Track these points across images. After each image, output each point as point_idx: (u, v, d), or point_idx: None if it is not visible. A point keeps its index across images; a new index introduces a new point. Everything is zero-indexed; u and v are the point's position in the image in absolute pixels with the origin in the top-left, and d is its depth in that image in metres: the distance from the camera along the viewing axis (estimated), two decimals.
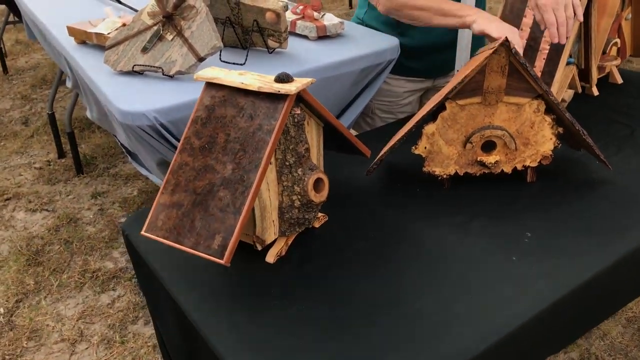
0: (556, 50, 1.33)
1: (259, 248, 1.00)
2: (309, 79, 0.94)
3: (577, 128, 1.12)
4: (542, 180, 1.21)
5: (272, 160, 0.97)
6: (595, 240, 1.02)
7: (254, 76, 0.98)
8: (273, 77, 0.95)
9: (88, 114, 1.75)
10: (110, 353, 1.90)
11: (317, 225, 1.10)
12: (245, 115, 0.95)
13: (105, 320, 2.05)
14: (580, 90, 1.47)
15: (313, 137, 1.04)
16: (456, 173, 1.19)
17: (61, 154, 3.19)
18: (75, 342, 1.96)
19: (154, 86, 1.34)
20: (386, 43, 1.52)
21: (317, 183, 1.00)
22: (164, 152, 1.31)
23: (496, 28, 1.26)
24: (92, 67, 1.48)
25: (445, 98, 1.10)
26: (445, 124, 1.14)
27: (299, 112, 0.95)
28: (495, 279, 0.94)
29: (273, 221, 1.00)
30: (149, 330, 1.98)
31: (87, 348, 1.93)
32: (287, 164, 0.97)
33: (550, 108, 1.13)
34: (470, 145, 1.15)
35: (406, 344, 0.84)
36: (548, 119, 1.13)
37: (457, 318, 0.87)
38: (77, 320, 2.05)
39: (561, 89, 1.38)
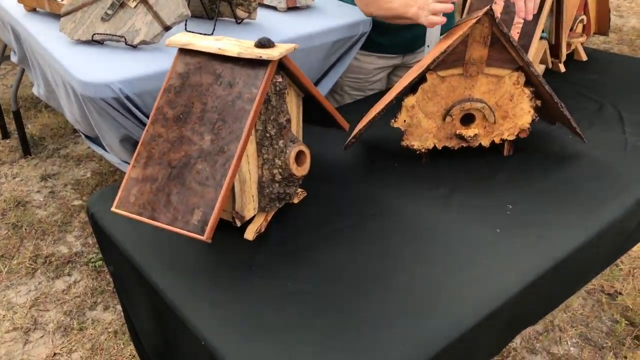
0: (530, 24, 1.32)
1: (238, 224, 0.95)
2: (291, 45, 0.89)
3: (555, 100, 1.12)
4: (519, 154, 1.20)
5: (253, 131, 0.92)
6: (576, 213, 1.02)
7: (231, 41, 0.92)
8: (253, 43, 0.89)
9: (35, 90, 1.64)
10: (68, 341, 1.81)
11: (296, 201, 1.06)
12: (223, 83, 0.89)
13: (61, 307, 1.95)
14: (550, 66, 1.48)
15: (293, 107, 0.99)
16: (434, 147, 1.17)
17: (5, 135, 3.01)
18: (28, 330, 1.86)
19: (117, 56, 1.26)
20: (358, 15, 1.48)
21: (299, 156, 0.96)
22: (129, 127, 1.23)
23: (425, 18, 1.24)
24: (45, 36, 1.37)
25: (427, 69, 1.08)
26: (426, 96, 1.12)
27: (280, 79, 0.90)
28: (480, 252, 0.93)
29: (253, 196, 0.96)
30: (109, 315, 1.90)
31: (42, 337, 1.84)
32: (268, 135, 0.92)
33: (530, 80, 1.12)
34: (450, 118, 1.13)
35: (396, 320, 0.81)
36: (527, 91, 1.12)
37: (445, 292, 0.85)
38: (29, 308, 1.95)
39: (534, 63, 1.38)
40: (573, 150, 1.22)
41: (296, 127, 1.02)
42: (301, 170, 0.96)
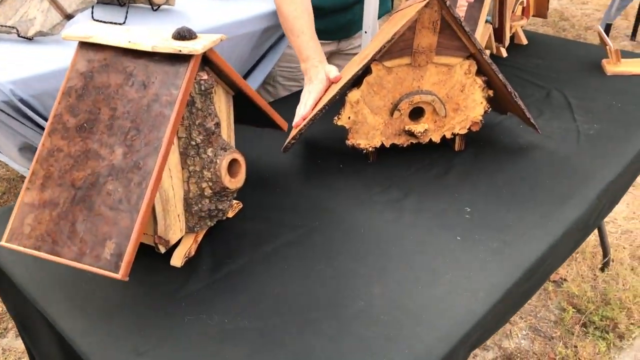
0: (474, 7, 1.23)
1: (162, 250, 0.80)
2: (217, 35, 0.75)
3: (509, 90, 1.03)
4: (471, 148, 1.12)
5: (175, 139, 0.77)
6: (537, 214, 0.94)
7: (144, 32, 0.77)
8: (171, 34, 0.74)
9: None
10: None
11: (230, 215, 0.92)
12: (135, 83, 0.74)
13: None
14: (495, 51, 1.40)
15: (222, 108, 0.85)
16: (382, 145, 1.06)
17: None
18: None
19: (8, 51, 1.06)
20: None
21: (232, 165, 0.82)
22: (28, 135, 1.05)
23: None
24: None
25: (372, 59, 0.96)
26: (371, 89, 1.00)
27: (206, 77, 0.76)
28: (442, 265, 0.83)
29: (178, 215, 0.81)
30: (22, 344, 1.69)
31: None
32: (194, 143, 0.78)
33: (482, 69, 1.03)
34: (398, 113, 1.02)
35: (353, 355, 0.70)
36: (479, 81, 1.03)
37: (409, 319, 0.75)
38: None
39: None
40: (526, 142, 1.14)
41: (227, 130, 0.88)
42: (235, 182, 0.83)
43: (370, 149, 1.06)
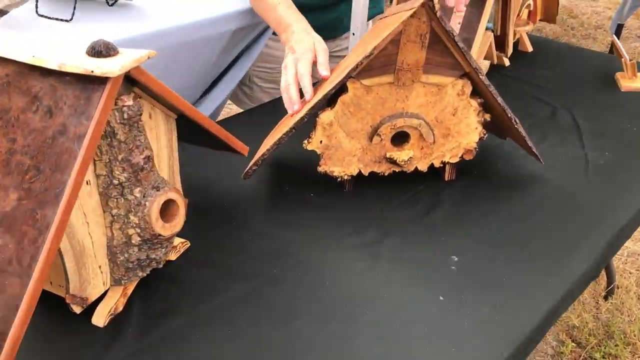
0: (474, 12, 1.08)
1: (78, 311, 0.66)
2: (144, 51, 0.60)
3: (509, 116, 0.89)
4: (463, 178, 0.97)
5: (91, 178, 0.62)
6: (537, 268, 0.79)
7: (55, 44, 0.62)
8: (86, 47, 0.59)
9: None
10: None
11: (173, 257, 0.78)
12: (41, 108, 0.59)
13: None
14: (496, 61, 1.25)
15: (160, 134, 0.71)
16: (360, 172, 0.92)
17: None
18: None
19: None
20: None
21: (167, 206, 0.68)
22: None
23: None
24: None
25: (347, 76, 0.81)
26: (347, 110, 0.85)
27: (130, 103, 0.61)
28: (421, 335, 0.69)
29: (100, 267, 0.67)
30: None
31: None
32: (116, 182, 0.63)
33: (478, 90, 0.88)
34: (378, 138, 0.88)
35: None
36: (474, 103, 0.88)
37: None
38: None
39: (478, 59, 1.15)
40: (526, 173, 0.99)
41: (168, 161, 0.73)
42: (170, 228, 0.68)
43: (345, 177, 0.92)
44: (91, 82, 0.57)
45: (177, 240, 0.78)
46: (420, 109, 0.87)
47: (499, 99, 0.86)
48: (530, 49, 1.48)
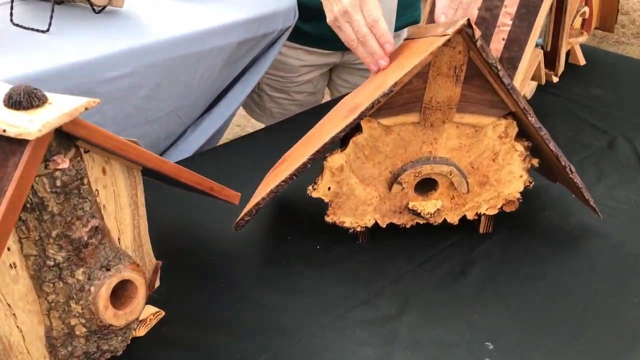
0: (522, 26, 0.90)
1: None
2: (81, 101, 0.45)
3: (563, 164, 0.72)
4: (500, 229, 0.80)
5: (17, 260, 0.48)
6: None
7: None
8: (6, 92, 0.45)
9: None
10: None
11: (142, 333, 0.63)
12: None
13: None
14: (544, 82, 1.07)
15: (120, 191, 0.56)
16: (376, 223, 0.76)
17: None
18: None
19: None
20: (276, 4, 1.03)
21: (123, 286, 0.54)
22: None
23: None
24: None
25: (361, 117, 0.65)
26: (361, 153, 0.70)
27: (66, 165, 0.47)
28: None
29: None
30: None
31: None
32: (51, 263, 0.49)
33: (526, 132, 0.71)
34: (399, 187, 0.72)
35: None
36: (520, 147, 0.72)
37: None
38: None
39: (524, 82, 0.97)
40: (579, 224, 0.82)
41: (132, 221, 0.59)
42: (125, 316, 0.54)
43: (358, 229, 0.76)
44: (8, 143, 0.43)
45: (149, 311, 0.64)
46: (452, 154, 0.71)
47: (552, 144, 0.69)
48: (583, 62, 1.29)
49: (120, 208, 0.56)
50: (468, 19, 0.57)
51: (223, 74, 1.03)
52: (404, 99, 0.65)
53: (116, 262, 0.52)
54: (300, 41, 1.21)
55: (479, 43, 0.59)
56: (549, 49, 1.05)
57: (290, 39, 1.13)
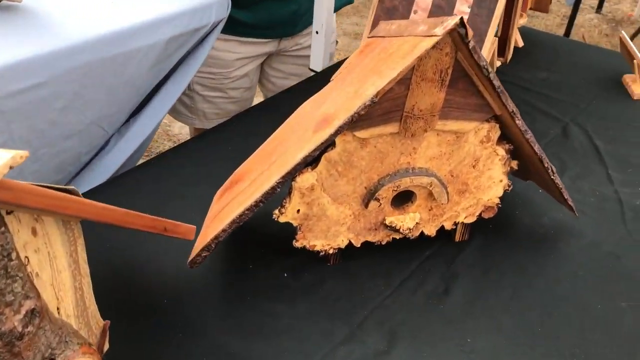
0: (481, 15, 0.84)
1: None
2: (4, 157, 0.33)
3: (546, 166, 0.67)
4: (476, 236, 0.75)
5: None
6: None
7: None
8: None
9: None
10: None
11: None
12: None
13: None
14: (495, 70, 1.03)
15: (56, 251, 0.44)
16: (350, 243, 0.69)
17: None
18: None
19: None
20: None
21: None
22: None
23: None
24: None
25: (338, 132, 0.56)
26: (334, 170, 0.61)
27: None
28: None
29: None
30: None
31: None
32: None
33: (508, 134, 0.65)
34: (376, 203, 0.64)
35: None
36: (501, 151, 0.66)
37: None
38: None
39: None
40: (553, 224, 0.79)
41: (73, 283, 0.47)
42: None
43: (331, 251, 0.68)
44: None
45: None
46: (431, 163, 0.64)
47: (537, 147, 0.64)
48: (521, 43, 1.26)
49: (58, 272, 0.45)
50: (461, 18, 0.50)
51: (151, 75, 0.90)
52: (383, 109, 0.57)
53: (62, 349, 0.41)
54: (233, 32, 1.10)
55: (471, 44, 0.52)
56: (499, 34, 1.01)
57: (222, 30, 1.02)
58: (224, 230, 0.61)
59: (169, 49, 0.89)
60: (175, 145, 1.00)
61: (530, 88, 1.11)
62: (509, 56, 1.06)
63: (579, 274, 0.71)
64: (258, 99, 1.27)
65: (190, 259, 0.63)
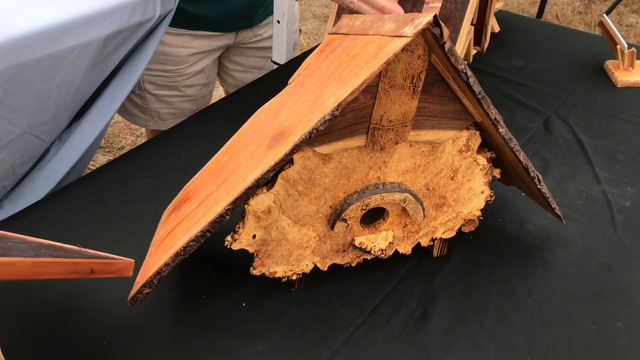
0: (457, 3, 0.76)
1: None
2: None
3: (532, 175, 0.60)
4: (455, 249, 0.68)
5: None
6: None
7: None
8: None
9: None
10: None
11: None
12: None
13: None
14: (471, 60, 0.95)
15: None
16: (315, 267, 0.61)
17: None
18: None
19: None
20: None
21: None
22: None
23: None
24: None
25: (296, 149, 0.48)
26: (293, 190, 0.53)
27: None
28: None
29: None
30: None
31: None
32: None
33: (487, 142, 0.58)
34: (343, 224, 0.57)
35: None
36: (482, 160, 0.59)
37: None
38: None
39: None
40: (538, 231, 0.72)
41: None
42: None
43: (294, 277, 0.61)
44: None
45: None
46: (404, 177, 0.56)
47: (522, 155, 0.57)
48: (497, 28, 1.19)
49: None
50: (435, 15, 0.42)
51: (89, 77, 0.80)
52: (346, 121, 0.49)
53: None
54: (186, 25, 1.01)
55: (447, 46, 0.44)
56: (474, 22, 0.93)
57: (173, 24, 0.92)
58: (166, 265, 0.52)
59: (108, 47, 0.79)
60: (133, 147, 0.91)
61: (508, 78, 1.04)
62: (486, 45, 0.98)
63: (569, 290, 0.65)
64: (220, 94, 1.17)
65: (130, 295, 0.55)
